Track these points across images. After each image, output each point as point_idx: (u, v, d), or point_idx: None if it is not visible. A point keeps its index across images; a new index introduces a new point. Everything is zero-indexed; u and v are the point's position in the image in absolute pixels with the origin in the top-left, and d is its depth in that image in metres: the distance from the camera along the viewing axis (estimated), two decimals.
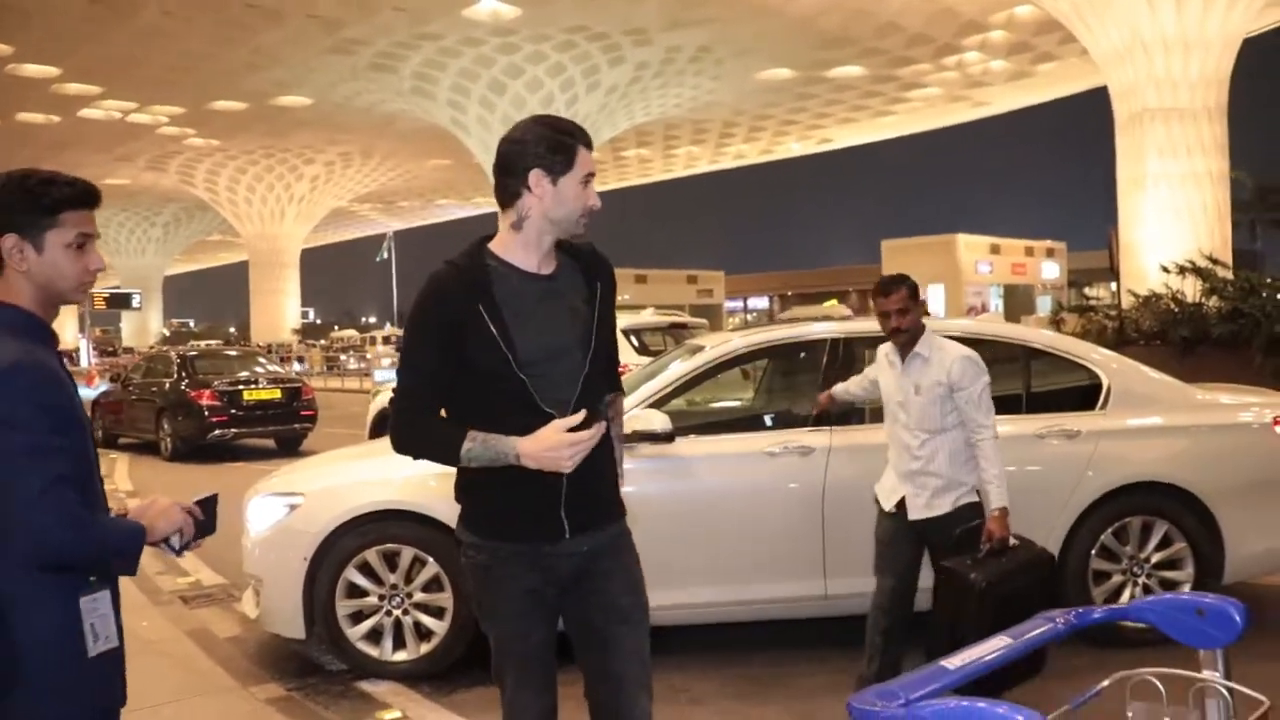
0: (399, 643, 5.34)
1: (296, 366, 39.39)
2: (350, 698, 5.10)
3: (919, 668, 1.50)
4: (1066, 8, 20.79)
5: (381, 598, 5.34)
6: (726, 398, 7.24)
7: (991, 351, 5.87)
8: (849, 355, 5.59)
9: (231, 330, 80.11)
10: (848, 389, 5.07)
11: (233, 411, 15.70)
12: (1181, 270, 12.84)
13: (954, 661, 1.53)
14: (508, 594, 2.71)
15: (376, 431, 12.64)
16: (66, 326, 43.32)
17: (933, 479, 4.36)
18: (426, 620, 5.32)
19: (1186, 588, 5.38)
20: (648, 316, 14.32)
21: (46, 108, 36.94)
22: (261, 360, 18.67)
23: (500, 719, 2.81)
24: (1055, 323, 14.34)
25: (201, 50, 30.66)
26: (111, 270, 63.93)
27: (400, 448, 2.70)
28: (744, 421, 6.57)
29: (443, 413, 2.70)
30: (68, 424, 2.17)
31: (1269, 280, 12.08)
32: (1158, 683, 1.62)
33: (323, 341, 55.77)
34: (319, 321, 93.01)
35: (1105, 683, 1.66)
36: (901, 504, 4.44)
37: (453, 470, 2.75)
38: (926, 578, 4.51)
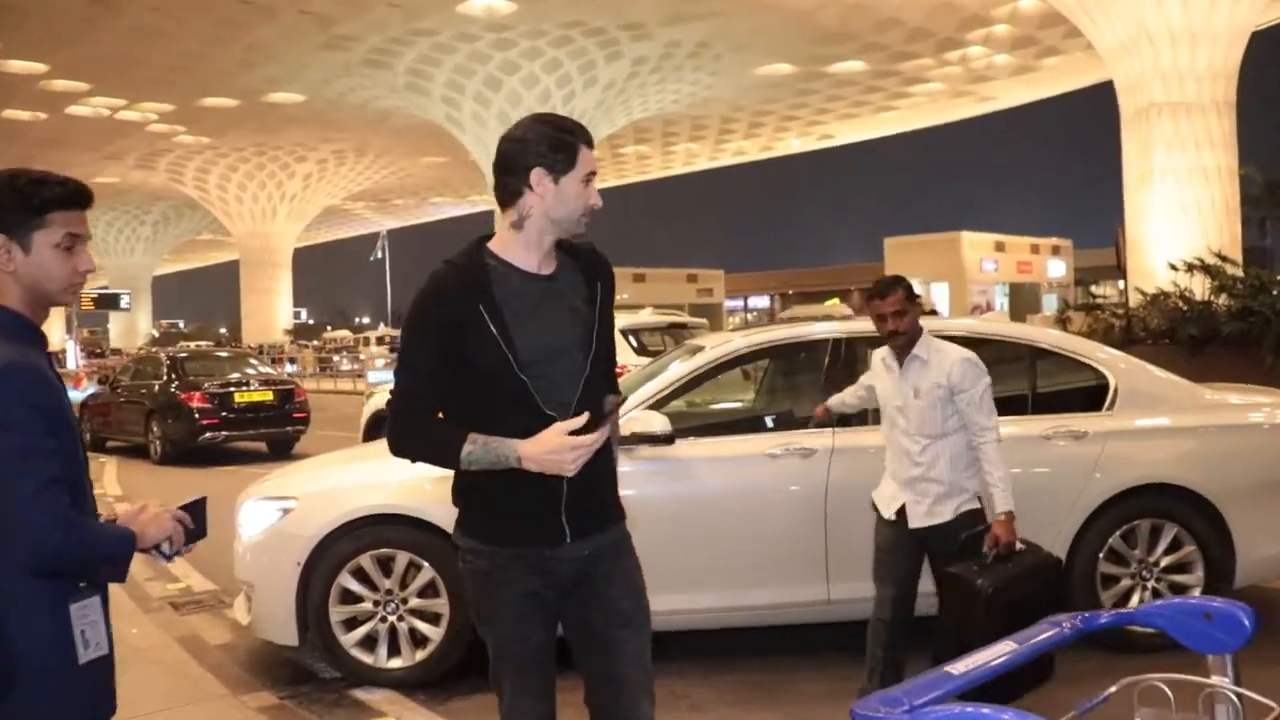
0: (394, 649, 5.34)
1: (289, 368, 39.34)
2: (344, 706, 5.10)
3: (923, 673, 1.50)
4: (1071, 0, 20.81)
5: (376, 603, 5.33)
6: (727, 399, 7.24)
7: (996, 351, 5.88)
8: (851, 355, 5.59)
9: (222, 331, 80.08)
10: (843, 400, 5.03)
11: (224, 414, 15.70)
12: (1190, 268, 12.85)
13: (959, 667, 1.53)
14: (506, 599, 2.71)
15: (370, 434, 12.64)
16: (53, 328, 43.28)
17: (934, 485, 4.33)
18: (422, 626, 5.32)
19: (1197, 592, 5.38)
20: (646, 316, 14.32)
21: (33, 105, 36.93)
22: (253, 361, 18.66)
23: None
24: (1061, 321, 14.37)
25: (192, 46, 30.67)
26: (100, 270, 63.87)
27: (398, 450, 2.70)
28: (745, 423, 6.57)
29: (440, 415, 2.70)
30: (58, 426, 2.17)
31: (1279, 278, 12.10)
32: (1166, 688, 1.62)
33: (315, 342, 55.67)
34: (311, 322, 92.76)
35: (1113, 688, 1.66)
36: (901, 512, 4.41)
37: (449, 473, 2.75)
38: (926, 582, 4.51)
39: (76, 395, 18.28)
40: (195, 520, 2.42)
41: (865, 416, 5.45)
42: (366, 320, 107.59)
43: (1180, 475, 5.48)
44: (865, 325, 5.61)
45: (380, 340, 47.83)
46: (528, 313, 2.64)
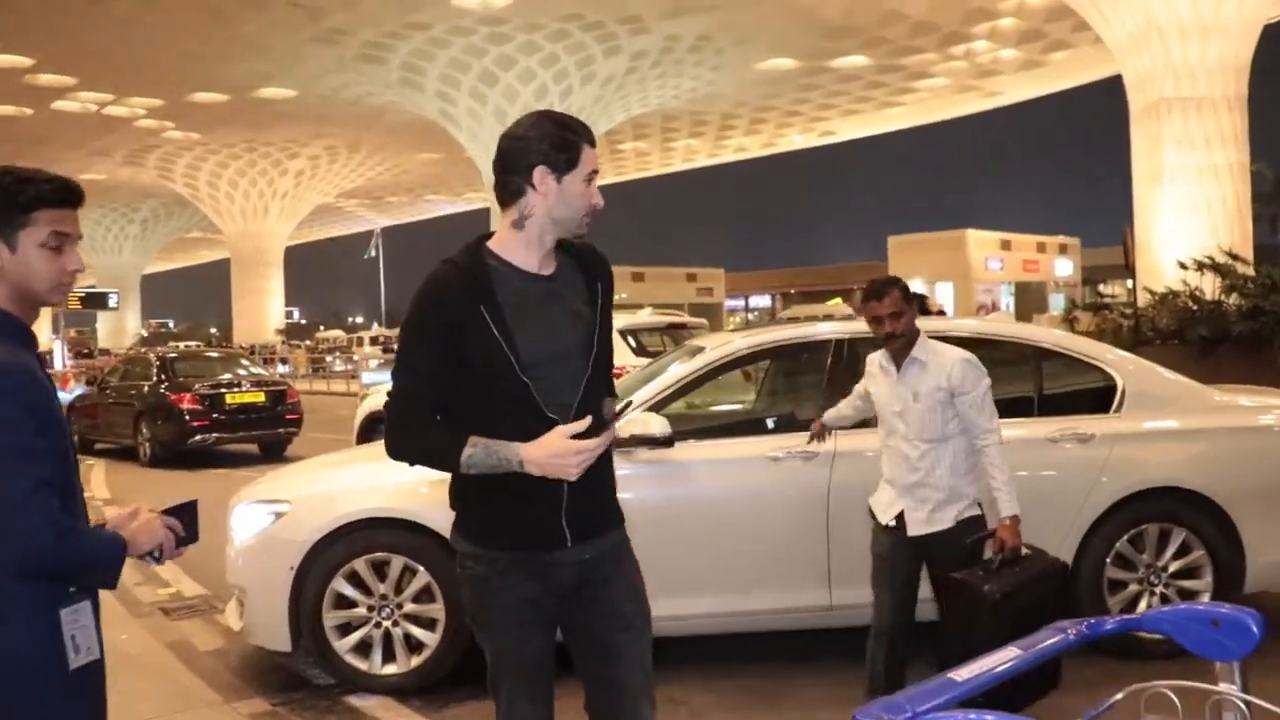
0: (388, 655, 5.34)
1: (280, 368, 39.39)
2: (338, 713, 5.10)
3: (927, 680, 1.51)
4: None
5: (370, 609, 5.34)
6: (727, 400, 7.25)
7: (1002, 353, 5.89)
8: (854, 356, 5.59)
9: (212, 331, 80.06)
10: (839, 412, 4.99)
11: (214, 415, 15.70)
12: (1200, 266, 12.84)
13: (962, 673, 1.54)
14: (506, 604, 2.72)
15: (364, 436, 12.67)
16: (40, 328, 43.21)
17: (933, 492, 4.30)
18: (417, 632, 5.33)
19: (1206, 597, 5.38)
20: (645, 316, 14.34)
21: (18, 99, 36.92)
22: (244, 362, 18.65)
23: None
24: (1068, 321, 14.37)
25: (181, 40, 30.66)
26: (87, 269, 63.91)
27: (395, 453, 2.70)
28: (745, 425, 6.58)
29: (437, 418, 2.71)
30: (49, 428, 2.19)
31: None
32: (1172, 695, 1.63)
33: (308, 342, 55.77)
34: (304, 322, 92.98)
35: (1119, 695, 1.67)
36: (899, 518, 4.38)
37: (445, 476, 2.76)
38: (925, 588, 4.50)
39: (64, 396, 18.27)
40: (186, 523, 2.43)
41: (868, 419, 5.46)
42: (360, 320, 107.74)
43: (1189, 479, 5.48)
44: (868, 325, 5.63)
45: (374, 340, 47.89)
46: (529, 314, 2.64)
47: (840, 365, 5.57)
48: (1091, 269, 45.89)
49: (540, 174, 2.63)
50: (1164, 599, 5.44)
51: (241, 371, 17.30)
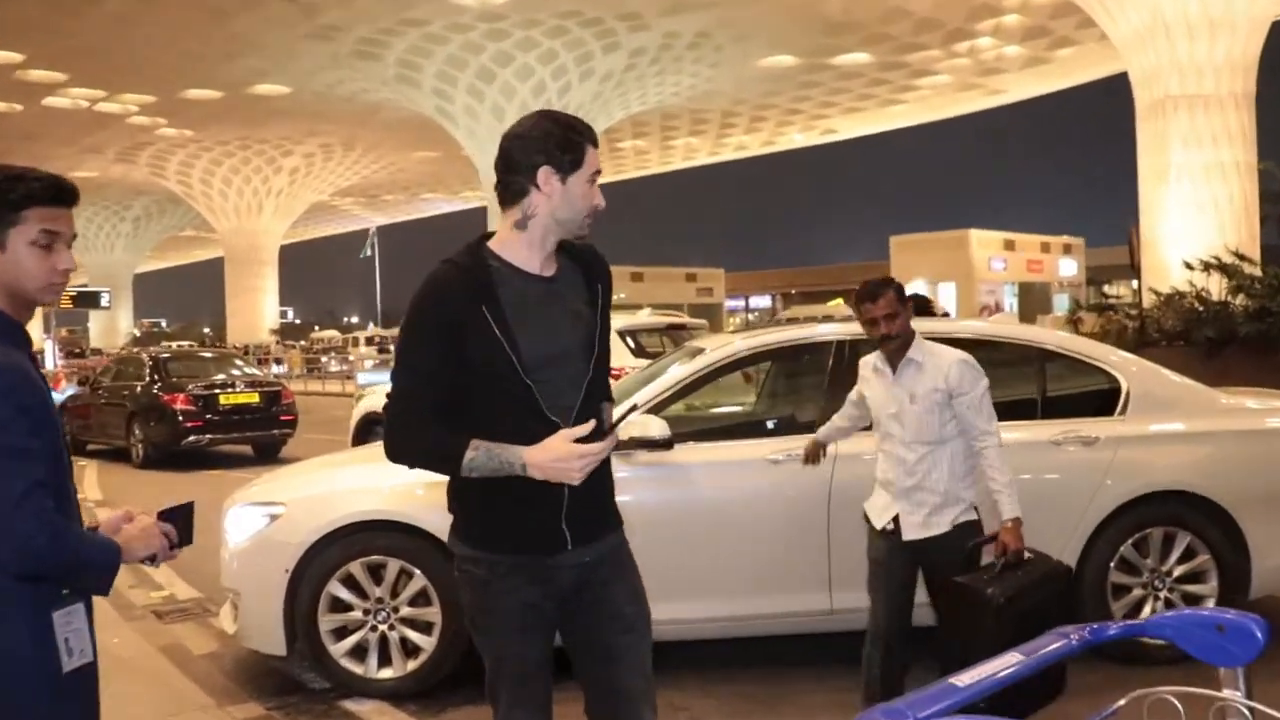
0: (384, 659, 5.35)
1: (275, 369, 39.39)
2: (333, 717, 5.11)
3: (928, 685, 1.52)
4: None
5: (366, 612, 5.35)
6: (727, 403, 7.26)
7: (1005, 354, 5.90)
8: (855, 358, 5.56)
9: (206, 331, 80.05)
10: (834, 424, 4.94)
11: (208, 416, 15.71)
12: (1206, 267, 12.87)
13: (964, 679, 1.54)
14: (506, 609, 2.72)
15: (360, 438, 12.66)
16: (31, 327, 42.98)
17: (930, 495, 4.27)
18: (413, 636, 5.33)
19: (1211, 602, 5.39)
20: (645, 317, 14.35)
21: (8, 95, 36.92)
22: (238, 362, 18.67)
23: None
24: (1073, 322, 14.40)
25: (174, 36, 30.67)
26: (79, 267, 63.65)
27: (395, 455, 2.70)
28: (746, 427, 6.59)
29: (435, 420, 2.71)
30: (43, 428, 2.19)
31: None
32: (1176, 702, 1.64)
33: (302, 342, 55.78)
34: (298, 321, 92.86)
35: (1121, 701, 1.67)
36: (895, 523, 4.35)
37: (442, 479, 2.76)
38: (921, 593, 4.49)
39: (55, 397, 18.16)
40: (182, 526, 2.43)
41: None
42: (355, 320, 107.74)
43: (1194, 482, 5.49)
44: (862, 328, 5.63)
45: (370, 340, 47.90)
46: (531, 315, 2.64)
47: (841, 367, 5.57)
48: (1096, 269, 45.87)
49: (545, 174, 2.64)
50: (1168, 604, 5.44)
51: (235, 372, 17.30)
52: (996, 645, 3.28)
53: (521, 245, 2.69)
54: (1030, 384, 5.82)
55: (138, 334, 71.83)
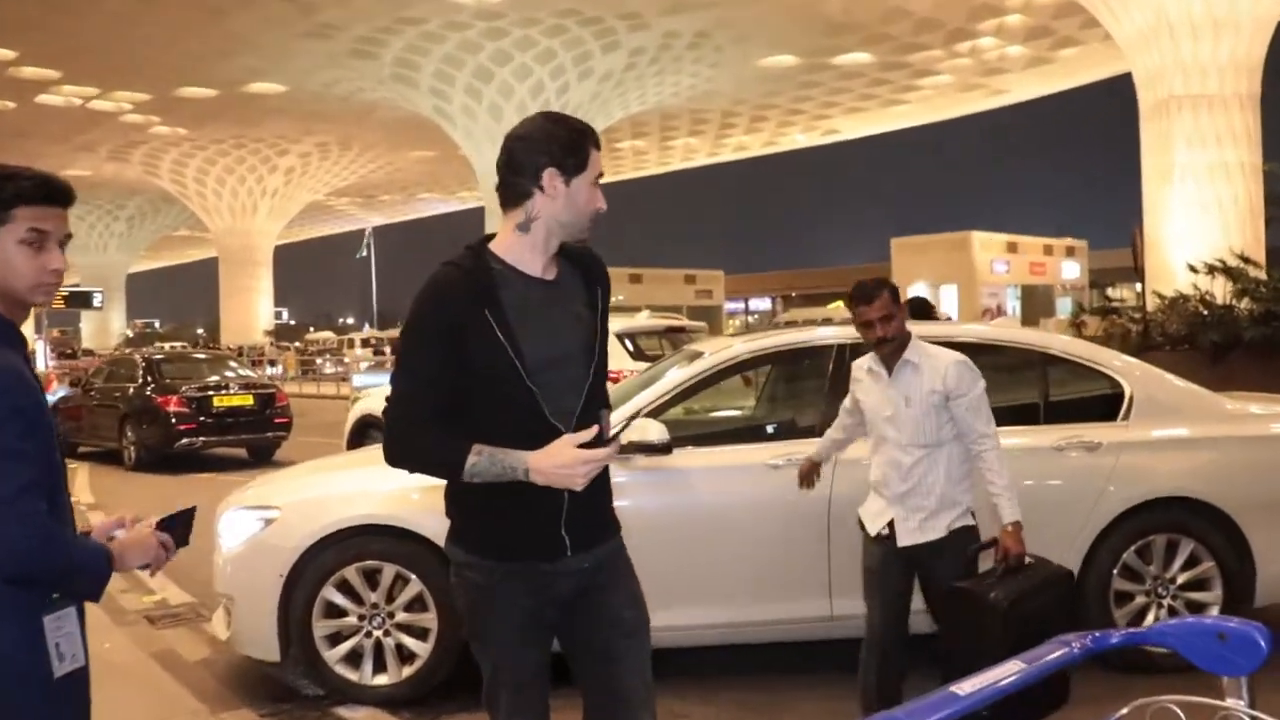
0: (379, 666, 5.35)
1: (269, 371, 39.37)
2: None
3: (928, 694, 1.52)
4: None
5: (361, 618, 5.34)
6: (727, 407, 7.26)
7: (1007, 358, 5.90)
8: None
9: (200, 332, 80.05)
10: (830, 439, 4.88)
11: (201, 419, 15.70)
12: (1211, 270, 12.89)
13: (965, 687, 1.55)
14: (507, 616, 2.72)
15: (355, 441, 12.66)
16: (23, 327, 42.97)
17: (926, 500, 4.24)
18: (409, 642, 5.33)
19: (1215, 610, 5.39)
20: (643, 319, 14.35)
21: (0, 93, 36.89)
22: (232, 364, 18.67)
23: None
24: (1075, 326, 14.41)
25: (168, 33, 30.69)
26: (71, 267, 63.93)
27: (395, 460, 2.69)
28: (745, 432, 6.58)
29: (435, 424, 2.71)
30: (36, 430, 2.18)
31: None
32: (1179, 711, 1.64)
33: (297, 344, 55.75)
34: (293, 323, 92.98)
35: (1124, 710, 1.68)
36: (890, 528, 4.31)
37: (439, 483, 2.76)
38: (918, 600, 4.49)
39: (47, 398, 18.24)
40: (180, 533, 2.42)
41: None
42: (351, 321, 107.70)
43: (1198, 488, 5.49)
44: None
45: (365, 342, 47.90)
46: (532, 319, 2.64)
47: (842, 371, 5.55)
48: (1099, 271, 45.95)
49: (549, 176, 2.64)
50: (1172, 611, 5.45)
51: (229, 374, 17.29)
52: (1000, 650, 3.29)
53: (525, 248, 2.69)
54: (1032, 389, 5.83)
55: (130, 335, 71.85)
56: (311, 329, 79.32)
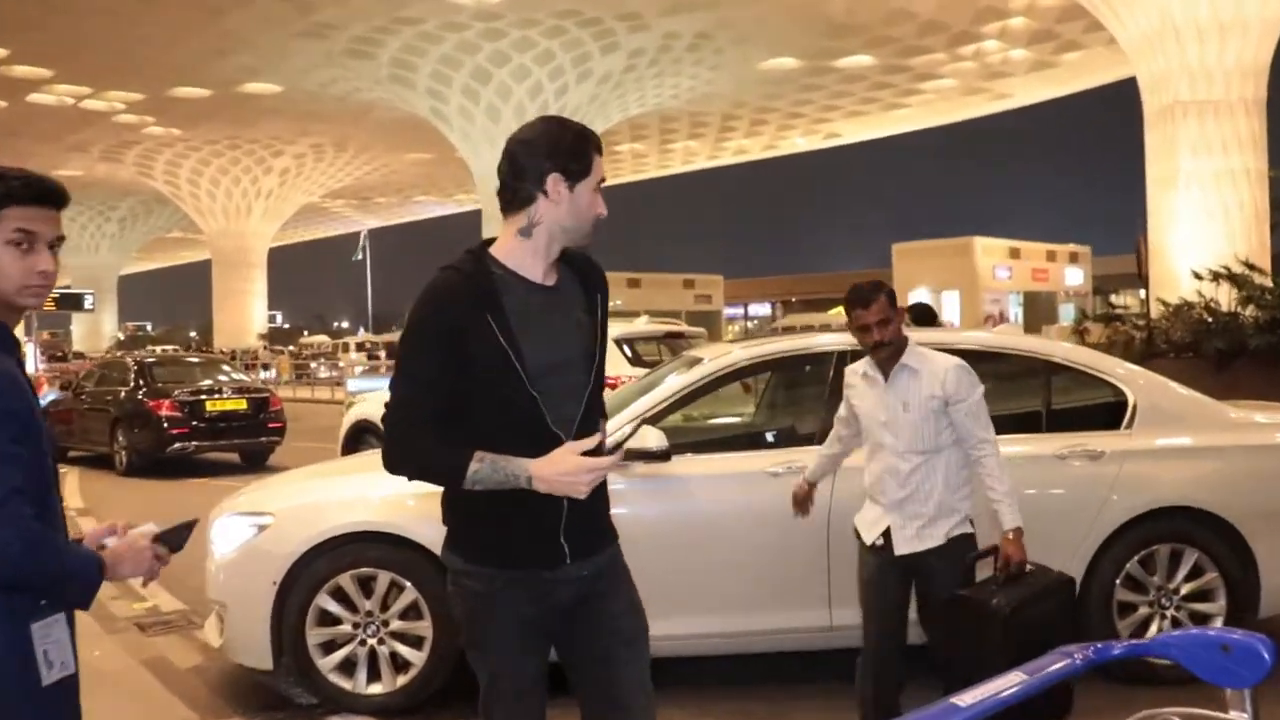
0: (374, 674, 5.34)
1: (263, 375, 39.37)
2: None
3: (928, 705, 1.53)
4: None
5: (356, 626, 5.35)
6: (726, 414, 7.26)
7: (1009, 366, 5.91)
8: None
9: (192, 335, 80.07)
10: (825, 456, 4.80)
11: (194, 423, 15.69)
12: (1216, 277, 12.88)
13: (966, 698, 1.55)
14: (504, 624, 2.72)
15: (350, 446, 12.65)
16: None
17: (924, 507, 4.21)
18: (404, 650, 5.33)
19: (1219, 621, 5.39)
20: (642, 325, 14.33)
21: None
22: (225, 368, 18.66)
23: None
24: (1078, 333, 14.39)
25: (162, 32, 30.69)
26: (62, 269, 63.55)
27: (395, 466, 2.68)
28: (744, 439, 6.60)
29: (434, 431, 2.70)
30: (27, 434, 2.18)
31: None
32: None
33: (291, 348, 55.71)
34: (287, 326, 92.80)
35: None
36: (886, 536, 4.28)
37: (435, 489, 2.76)
38: (911, 610, 4.48)
39: (40, 401, 18.22)
40: (176, 543, 2.42)
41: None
42: (346, 325, 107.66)
43: (1202, 498, 5.49)
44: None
45: (360, 346, 47.83)
46: (534, 325, 2.65)
47: (843, 378, 5.57)
48: (1103, 278, 45.90)
49: (553, 181, 2.64)
50: (1175, 622, 5.44)
51: (222, 378, 17.31)
52: (1002, 659, 3.29)
53: (527, 253, 2.70)
54: (1035, 397, 5.83)
55: (122, 338, 71.80)
56: (306, 333, 79.24)
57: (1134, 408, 5.65)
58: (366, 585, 5.35)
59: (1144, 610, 5.47)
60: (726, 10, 29.56)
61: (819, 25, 31.06)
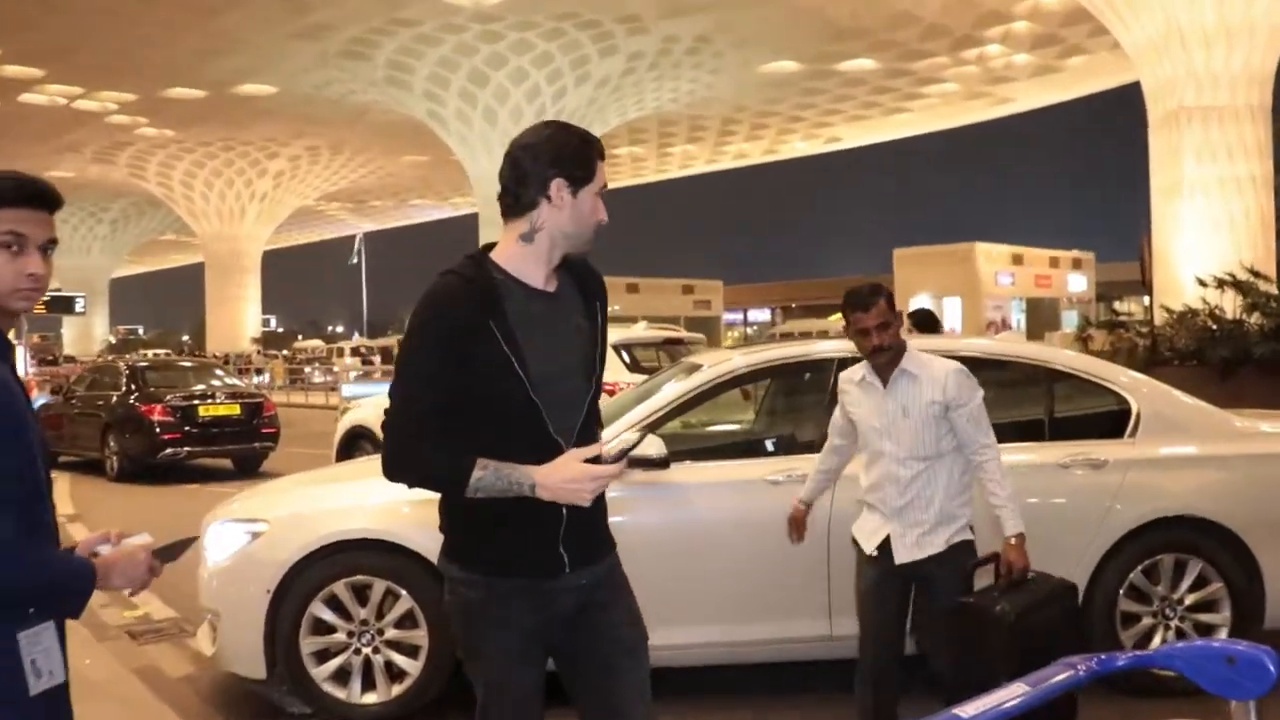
0: (368, 684, 5.34)
1: (256, 379, 39.34)
2: None
3: (929, 716, 1.53)
4: None
5: (350, 634, 5.34)
6: (725, 421, 7.27)
7: (1012, 374, 5.92)
8: None
9: (185, 339, 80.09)
10: (821, 471, 4.74)
11: (186, 428, 15.67)
12: (1220, 284, 12.89)
13: (968, 710, 1.56)
14: (503, 634, 2.72)
15: (345, 452, 12.65)
16: None
17: (924, 514, 4.20)
18: (399, 659, 5.33)
19: (1224, 632, 5.40)
20: (640, 330, 14.34)
21: None
22: (218, 372, 18.67)
23: None
24: (1082, 340, 14.40)
25: (155, 32, 30.69)
26: (53, 271, 63.70)
27: (394, 473, 2.68)
28: (744, 447, 6.60)
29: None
30: (15, 441, 2.16)
31: None
32: None
33: (285, 352, 55.67)
34: (281, 330, 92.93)
35: None
36: (886, 545, 4.25)
37: (431, 497, 2.76)
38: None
39: (33, 406, 18.18)
40: (173, 557, 2.41)
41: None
42: (340, 329, 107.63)
43: (1206, 508, 5.49)
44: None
45: (355, 351, 47.80)
46: (536, 332, 2.65)
47: None
48: (1106, 285, 45.94)
49: (557, 186, 2.65)
50: (1179, 633, 5.45)
51: (215, 382, 17.29)
52: (1008, 665, 3.28)
53: (529, 259, 2.70)
54: (1037, 405, 5.84)
55: (113, 341, 71.78)
56: (300, 337, 79.31)
57: (1137, 416, 5.65)
58: (361, 593, 5.35)
59: (1148, 621, 5.48)
60: (726, 13, 29.59)
61: (820, 28, 31.09)
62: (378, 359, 40.39)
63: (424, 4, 29.29)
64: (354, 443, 12.73)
